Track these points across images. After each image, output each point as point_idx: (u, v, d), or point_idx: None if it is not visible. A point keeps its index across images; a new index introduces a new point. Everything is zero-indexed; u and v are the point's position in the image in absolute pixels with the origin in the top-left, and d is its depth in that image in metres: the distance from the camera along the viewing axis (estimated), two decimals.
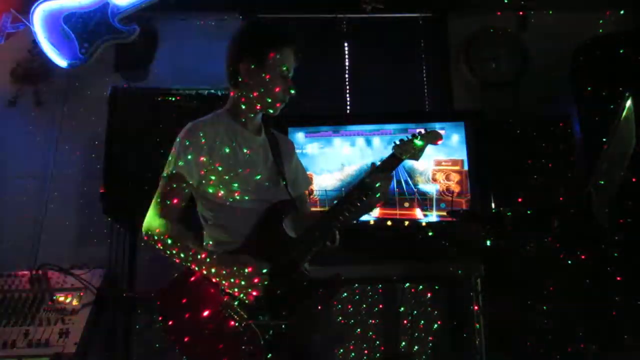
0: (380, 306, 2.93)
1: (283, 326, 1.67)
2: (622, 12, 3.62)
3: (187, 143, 1.78)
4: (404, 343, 2.89)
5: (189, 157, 1.76)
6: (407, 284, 2.92)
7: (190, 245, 1.71)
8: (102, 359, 2.77)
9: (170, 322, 1.70)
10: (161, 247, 1.71)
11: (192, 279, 1.73)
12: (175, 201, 1.76)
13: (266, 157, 1.94)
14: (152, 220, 1.75)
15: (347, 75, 3.73)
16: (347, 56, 3.76)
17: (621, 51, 3.03)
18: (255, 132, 1.95)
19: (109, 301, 2.76)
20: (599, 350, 2.76)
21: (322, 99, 3.63)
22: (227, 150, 1.82)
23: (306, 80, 3.68)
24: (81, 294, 2.64)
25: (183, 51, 3.60)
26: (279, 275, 1.71)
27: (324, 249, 1.88)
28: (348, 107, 3.69)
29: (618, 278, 2.72)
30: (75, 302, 2.60)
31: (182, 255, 1.69)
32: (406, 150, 1.89)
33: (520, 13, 3.68)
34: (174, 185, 1.76)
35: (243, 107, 1.90)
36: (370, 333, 2.88)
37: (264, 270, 1.66)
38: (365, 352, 2.85)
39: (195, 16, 3.68)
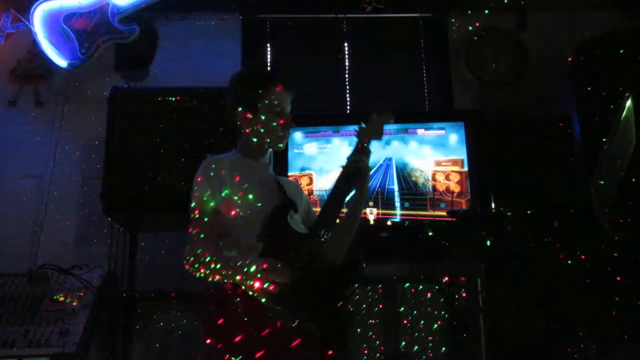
0: (380, 306, 2.92)
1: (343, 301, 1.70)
2: (622, 12, 3.62)
3: (207, 177, 1.86)
4: (404, 343, 2.89)
5: (211, 187, 1.83)
6: (407, 284, 2.92)
7: (235, 261, 1.73)
8: (102, 359, 2.77)
9: (231, 343, 1.65)
10: (212, 277, 1.72)
11: (233, 295, 1.72)
12: (209, 232, 1.81)
13: (279, 189, 2.00)
14: (195, 253, 1.74)
15: (347, 75, 3.73)
16: (347, 56, 3.76)
17: (621, 51, 3.03)
18: (267, 166, 2.07)
19: (109, 301, 2.76)
20: (599, 350, 2.76)
21: (322, 99, 3.63)
22: (244, 182, 1.89)
23: (306, 80, 3.73)
24: (81, 294, 2.64)
25: (183, 51, 3.60)
26: (303, 267, 1.71)
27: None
28: (348, 107, 3.69)
29: (618, 278, 2.72)
30: (75, 302, 2.60)
31: (230, 273, 1.69)
32: (368, 132, 2.07)
33: (520, 13, 3.68)
34: (204, 220, 1.81)
35: (251, 147, 2.01)
36: (370, 333, 2.88)
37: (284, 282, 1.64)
38: (365, 352, 2.85)
39: (195, 16, 3.68)
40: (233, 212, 1.85)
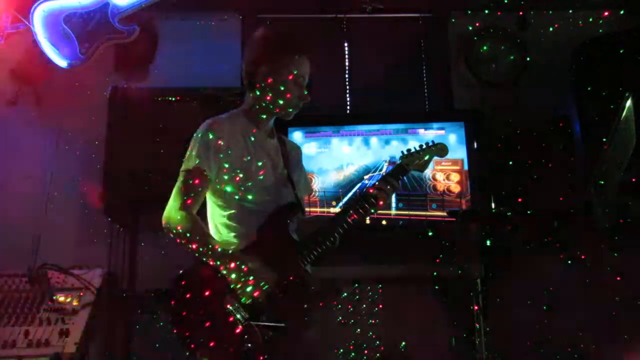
0: (380, 306, 2.93)
1: (283, 326, 1.71)
2: (622, 12, 3.62)
3: (206, 138, 1.82)
4: (404, 343, 2.89)
5: (208, 151, 1.80)
6: (408, 284, 2.92)
7: (209, 241, 1.76)
8: (102, 359, 2.78)
9: (177, 314, 1.74)
10: (180, 242, 1.75)
11: (201, 273, 1.76)
12: (194, 195, 1.79)
13: (277, 160, 2.00)
14: (172, 213, 1.77)
15: (347, 75, 3.73)
16: (347, 56, 3.75)
17: (621, 51, 3.03)
18: (268, 134, 2.01)
19: (109, 301, 2.76)
20: (599, 349, 2.76)
21: (322, 99, 3.63)
22: (243, 150, 1.87)
23: None
24: (81, 294, 2.64)
25: (183, 51, 3.60)
26: (283, 278, 1.76)
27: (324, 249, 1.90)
28: (348, 107, 3.69)
29: (618, 278, 2.72)
30: (75, 302, 2.60)
31: (200, 250, 1.73)
32: (413, 161, 2.01)
33: (520, 13, 3.68)
34: (194, 179, 1.79)
35: (258, 109, 1.96)
36: (370, 333, 2.88)
37: (264, 287, 1.71)
38: (365, 352, 2.85)
39: (195, 16, 3.68)
40: (226, 188, 1.84)
